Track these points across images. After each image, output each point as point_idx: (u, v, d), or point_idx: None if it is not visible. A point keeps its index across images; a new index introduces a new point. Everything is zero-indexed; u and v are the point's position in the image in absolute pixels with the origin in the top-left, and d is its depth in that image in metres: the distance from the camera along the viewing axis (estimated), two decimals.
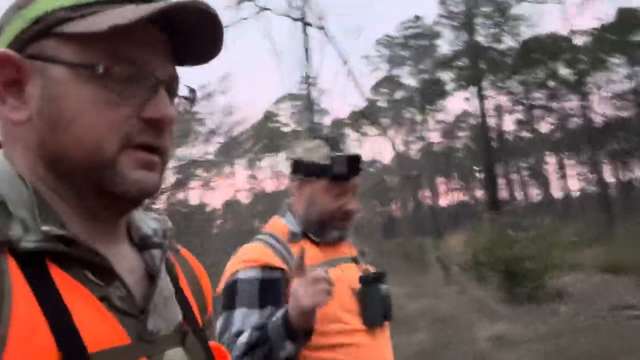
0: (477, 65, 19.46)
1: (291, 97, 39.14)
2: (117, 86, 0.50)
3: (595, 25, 29.68)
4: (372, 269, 1.43)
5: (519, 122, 34.76)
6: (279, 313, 1.19)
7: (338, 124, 42.58)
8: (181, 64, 0.58)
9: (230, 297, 1.24)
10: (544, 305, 7.10)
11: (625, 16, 28.91)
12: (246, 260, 1.27)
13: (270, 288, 1.24)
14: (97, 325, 0.47)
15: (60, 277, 0.47)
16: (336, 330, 1.26)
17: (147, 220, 0.63)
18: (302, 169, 1.40)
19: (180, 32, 0.55)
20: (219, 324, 1.25)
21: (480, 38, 32.16)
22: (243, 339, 1.19)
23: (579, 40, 31.60)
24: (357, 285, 1.32)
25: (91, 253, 0.50)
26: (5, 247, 0.46)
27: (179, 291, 0.61)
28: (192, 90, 0.60)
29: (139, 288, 0.55)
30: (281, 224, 1.40)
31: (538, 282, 7.36)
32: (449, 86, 34.45)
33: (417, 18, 31.55)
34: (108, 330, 0.48)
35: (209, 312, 0.71)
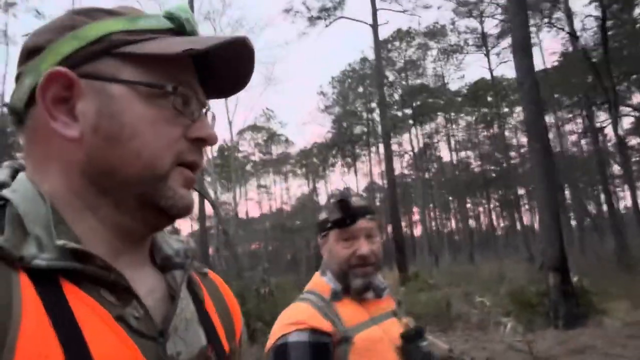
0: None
1: (254, 128, 41.56)
2: (175, 106, 0.53)
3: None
4: (411, 323, 1.44)
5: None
6: None
7: (305, 153, 44.77)
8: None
9: None
10: None
11: (569, 60, 30.66)
12: (295, 323, 1.27)
13: (320, 352, 1.24)
14: (111, 345, 0.46)
15: (74, 295, 0.47)
16: None
17: (170, 241, 0.63)
18: (319, 228, 1.46)
19: (210, 67, 0.59)
20: None
21: (425, 80, 34.25)
22: None
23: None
24: (399, 342, 1.34)
25: (107, 270, 0.49)
26: (18, 264, 0.45)
27: (203, 315, 0.60)
28: (213, 117, 0.61)
29: (158, 309, 0.54)
30: (323, 282, 1.41)
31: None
32: (409, 122, 36.56)
33: (364, 60, 33.67)
34: (123, 351, 0.47)
35: (237, 338, 0.68)
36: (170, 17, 0.57)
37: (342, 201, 1.39)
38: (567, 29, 17.64)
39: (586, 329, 7.75)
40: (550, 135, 31.15)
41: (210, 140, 0.57)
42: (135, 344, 0.49)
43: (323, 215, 1.45)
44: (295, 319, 1.29)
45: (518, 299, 9.00)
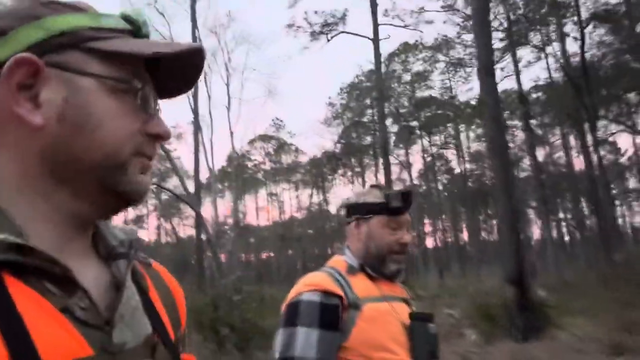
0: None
1: (263, 137, 42.20)
2: (138, 102, 0.57)
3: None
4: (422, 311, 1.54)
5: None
6: None
7: (315, 162, 45.13)
8: None
9: (293, 316, 1.38)
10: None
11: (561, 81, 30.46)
12: (309, 285, 1.41)
13: (329, 312, 1.36)
14: (56, 336, 0.46)
15: (16, 288, 0.46)
16: (383, 358, 1.35)
17: (114, 232, 0.63)
18: (358, 210, 1.57)
19: (159, 69, 0.61)
20: (280, 337, 1.38)
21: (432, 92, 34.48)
22: None
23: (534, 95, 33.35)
24: (408, 322, 1.42)
25: (50, 263, 0.48)
26: None
27: (148, 303, 0.61)
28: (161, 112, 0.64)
29: (104, 299, 0.54)
30: (341, 260, 1.54)
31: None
32: (416, 133, 36.78)
33: (372, 72, 34.02)
34: (68, 341, 0.47)
35: (182, 327, 0.69)
36: (127, 19, 0.59)
37: (408, 192, 1.55)
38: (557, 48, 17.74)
39: (540, 342, 7.94)
40: (543, 151, 30.93)
41: (165, 136, 0.60)
42: (80, 334, 0.49)
43: (365, 199, 1.57)
44: (310, 282, 1.44)
45: (481, 311, 9.22)
